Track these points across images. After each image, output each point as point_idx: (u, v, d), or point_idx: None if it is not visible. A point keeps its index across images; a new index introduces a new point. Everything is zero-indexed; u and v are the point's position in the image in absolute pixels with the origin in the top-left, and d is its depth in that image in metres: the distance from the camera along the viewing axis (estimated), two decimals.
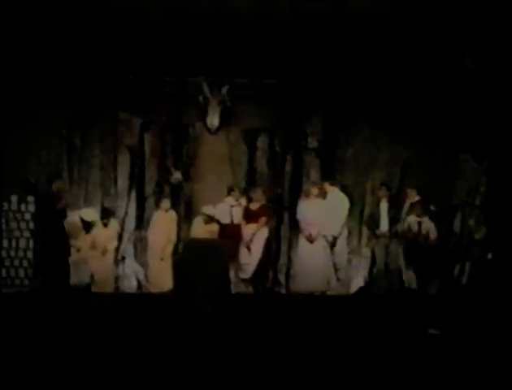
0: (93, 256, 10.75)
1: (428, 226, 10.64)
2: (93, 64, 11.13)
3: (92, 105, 11.43)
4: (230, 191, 11.08)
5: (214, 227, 10.48)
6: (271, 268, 11.28)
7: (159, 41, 11.01)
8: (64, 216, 10.54)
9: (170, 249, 10.93)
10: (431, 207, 10.81)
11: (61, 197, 10.55)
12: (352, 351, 6.77)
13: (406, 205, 10.98)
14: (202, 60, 11.36)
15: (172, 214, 11.07)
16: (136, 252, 11.48)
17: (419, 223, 10.64)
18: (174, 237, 11.00)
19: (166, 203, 11.01)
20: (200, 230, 10.57)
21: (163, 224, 10.93)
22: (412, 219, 10.68)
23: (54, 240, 10.31)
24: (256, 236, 10.82)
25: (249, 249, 10.77)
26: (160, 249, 10.87)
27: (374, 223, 11.02)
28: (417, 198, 10.89)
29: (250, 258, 10.79)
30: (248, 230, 10.81)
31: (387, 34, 10.85)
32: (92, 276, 10.78)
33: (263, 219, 10.87)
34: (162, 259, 10.84)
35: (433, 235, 10.64)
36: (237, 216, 10.92)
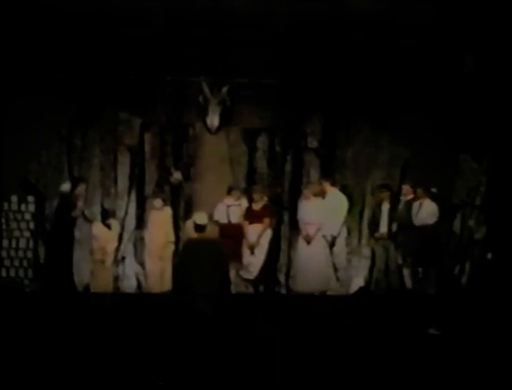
0: (93, 257, 10.77)
1: (430, 207, 10.62)
2: (93, 64, 11.13)
3: (92, 105, 11.43)
4: (230, 191, 11.07)
5: (206, 235, 10.14)
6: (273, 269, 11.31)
7: (159, 41, 11.00)
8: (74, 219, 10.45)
9: (169, 247, 10.89)
10: (433, 190, 10.79)
11: (77, 201, 10.46)
12: (352, 351, 6.77)
13: (402, 203, 10.99)
14: (202, 60, 11.35)
15: (167, 211, 11.04)
16: (136, 252, 11.48)
17: (420, 205, 10.64)
18: (172, 235, 10.98)
19: (158, 202, 10.98)
20: (191, 235, 10.45)
21: (159, 223, 10.91)
22: (414, 203, 10.70)
23: (65, 243, 10.27)
24: (262, 237, 10.82)
25: (252, 249, 10.75)
26: (158, 248, 10.84)
27: (374, 224, 11.00)
28: (412, 196, 10.88)
29: (255, 259, 10.77)
30: (252, 230, 10.79)
31: (387, 34, 10.84)
32: (91, 276, 10.78)
33: (268, 220, 10.86)
34: (161, 258, 10.82)
35: (434, 217, 10.62)
36: (235, 216, 10.91)
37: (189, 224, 10.06)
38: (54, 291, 9.97)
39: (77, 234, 10.58)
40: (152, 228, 10.98)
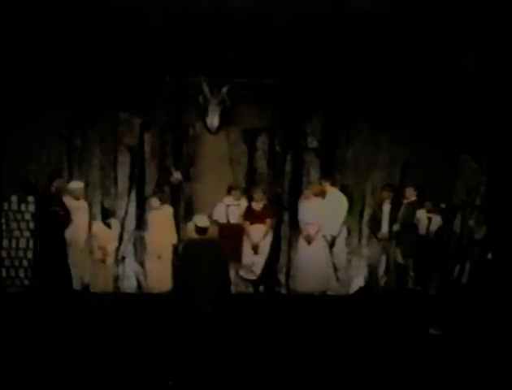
0: (93, 256, 10.76)
1: (438, 223, 10.72)
2: (93, 64, 11.13)
3: (92, 105, 11.42)
4: (230, 190, 11.08)
5: (206, 235, 10.09)
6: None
7: (159, 41, 11.00)
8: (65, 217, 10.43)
9: (169, 246, 10.85)
10: (442, 205, 10.84)
11: (59, 198, 10.45)
12: (352, 351, 6.78)
13: (403, 206, 11.00)
14: (202, 60, 11.35)
15: (167, 210, 11.00)
16: (136, 252, 11.48)
17: (429, 219, 10.69)
18: (172, 233, 10.94)
19: (154, 201, 10.94)
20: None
21: (159, 222, 10.88)
22: (422, 215, 10.73)
23: (52, 241, 10.25)
24: (266, 238, 10.82)
25: (256, 249, 10.74)
26: (157, 248, 10.81)
27: (376, 224, 11.01)
28: (414, 198, 10.91)
29: (258, 259, 10.77)
30: (254, 230, 10.78)
31: (387, 34, 10.85)
32: (92, 276, 10.77)
33: (270, 221, 10.87)
34: (159, 257, 10.78)
35: (440, 231, 10.70)
36: (234, 216, 10.91)
37: (190, 226, 10.04)
38: (51, 290, 9.97)
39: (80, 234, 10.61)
40: (151, 228, 10.95)
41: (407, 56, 10.99)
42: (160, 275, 10.73)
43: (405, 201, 11.01)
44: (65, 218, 10.34)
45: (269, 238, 10.93)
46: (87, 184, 11.36)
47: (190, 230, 9.87)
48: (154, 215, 10.95)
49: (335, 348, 6.84)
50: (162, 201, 11.04)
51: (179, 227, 11.27)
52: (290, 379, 6.32)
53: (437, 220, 10.75)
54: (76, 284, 10.54)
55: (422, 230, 10.75)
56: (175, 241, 10.92)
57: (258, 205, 10.87)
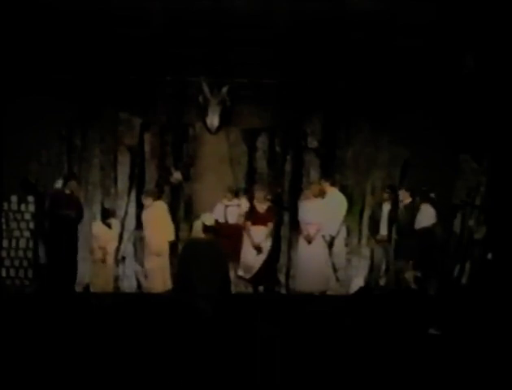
0: (93, 256, 10.76)
1: (428, 210, 10.67)
2: (93, 64, 11.13)
3: (92, 105, 11.43)
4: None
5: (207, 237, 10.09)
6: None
7: (159, 41, 11.01)
8: (75, 218, 10.45)
9: (166, 242, 10.82)
10: (431, 195, 10.82)
11: (73, 200, 10.46)
12: (352, 351, 6.78)
13: (400, 208, 10.99)
14: (202, 60, 11.36)
15: (159, 205, 10.93)
16: (136, 252, 11.48)
17: (418, 208, 10.70)
18: (169, 229, 10.88)
19: (146, 201, 10.87)
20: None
21: (153, 220, 10.82)
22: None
23: (62, 242, 10.26)
24: (268, 239, 10.85)
25: (259, 250, 10.73)
26: (156, 245, 10.76)
27: (375, 226, 11.00)
28: (409, 200, 10.89)
29: (259, 259, 10.77)
30: (256, 231, 10.76)
31: (387, 34, 10.85)
32: (92, 276, 10.78)
33: (272, 224, 10.87)
34: (158, 255, 10.75)
35: (432, 219, 10.66)
36: (232, 216, 10.91)
37: (197, 225, 10.02)
38: (54, 291, 9.98)
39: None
40: (147, 227, 10.86)
41: (407, 56, 11.00)
42: (159, 273, 10.70)
43: (401, 204, 11.02)
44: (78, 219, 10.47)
45: (270, 240, 10.94)
46: (87, 184, 11.40)
47: (197, 229, 9.87)
48: (147, 214, 10.86)
49: (335, 348, 6.84)
50: (155, 198, 10.95)
51: (179, 226, 11.28)
52: (290, 379, 6.32)
53: (426, 208, 10.71)
54: (76, 284, 10.57)
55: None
56: (172, 237, 10.91)
57: (261, 207, 10.83)
